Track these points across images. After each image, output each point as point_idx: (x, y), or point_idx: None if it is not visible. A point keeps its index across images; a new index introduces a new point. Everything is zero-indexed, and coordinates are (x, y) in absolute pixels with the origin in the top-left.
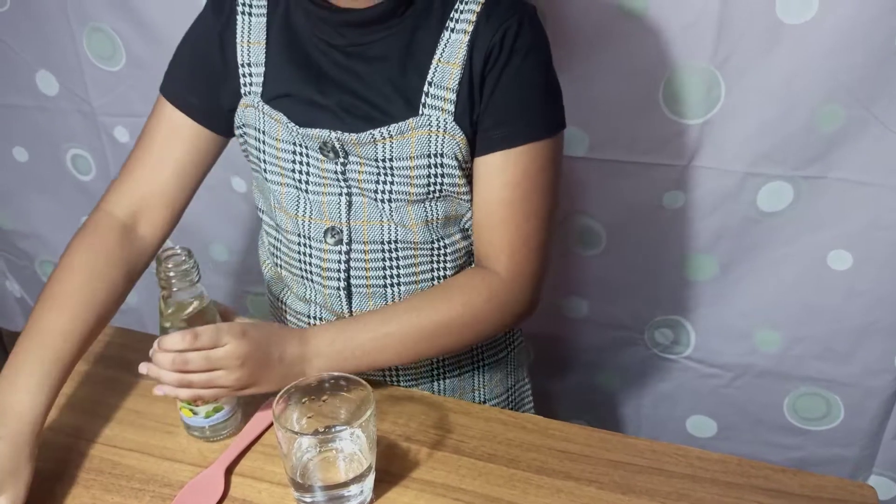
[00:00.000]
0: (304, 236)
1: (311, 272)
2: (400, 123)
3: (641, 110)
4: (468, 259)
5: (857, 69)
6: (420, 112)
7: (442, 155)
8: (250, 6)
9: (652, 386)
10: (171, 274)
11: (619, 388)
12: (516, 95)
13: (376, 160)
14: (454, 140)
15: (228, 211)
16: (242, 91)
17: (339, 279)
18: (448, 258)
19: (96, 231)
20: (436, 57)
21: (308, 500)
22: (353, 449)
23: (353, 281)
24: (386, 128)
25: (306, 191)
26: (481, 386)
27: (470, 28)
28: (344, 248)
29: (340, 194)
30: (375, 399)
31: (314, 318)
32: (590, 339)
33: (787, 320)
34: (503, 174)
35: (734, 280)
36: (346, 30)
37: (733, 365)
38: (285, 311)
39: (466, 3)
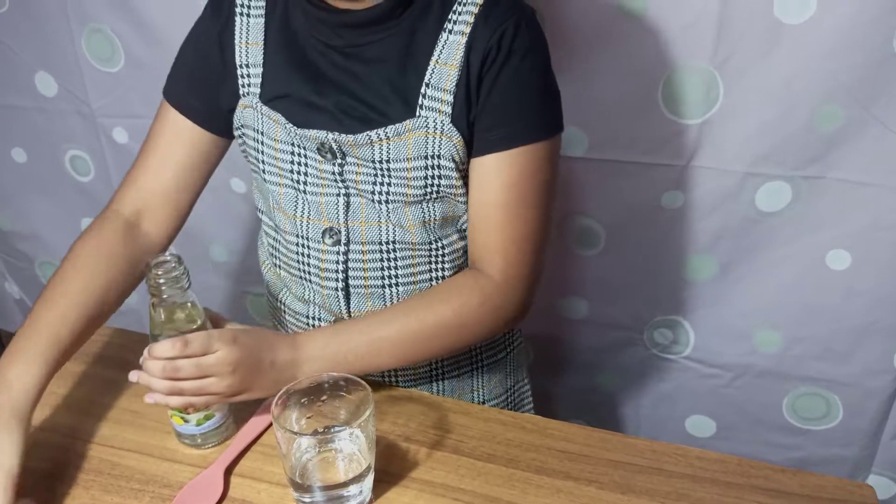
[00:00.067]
0: (303, 237)
1: (309, 273)
2: (397, 125)
3: (640, 110)
4: (466, 260)
5: (857, 69)
6: (417, 113)
7: (439, 157)
8: (248, 7)
9: (651, 386)
10: (162, 280)
11: (618, 389)
12: (513, 97)
13: (373, 161)
14: (451, 142)
15: (228, 212)
16: (241, 92)
17: (337, 280)
18: (446, 259)
19: (100, 227)
20: (433, 58)
21: (307, 500)
22: (352, 449)
23: (351, 281)
24: (383, 129)
25: (304, 191)
26: (480, 387)
27: (468, 29)
28: (342, 248)
29: (338, 195)
30: (374, 399)
31: (313, 318)
32: (589, 339)
33: (787, 320)
34: (499, 176)
35: (734, 280)
36: (343, 31)
37: (733, 365)
38: (284, 312)
39: (465, 5)
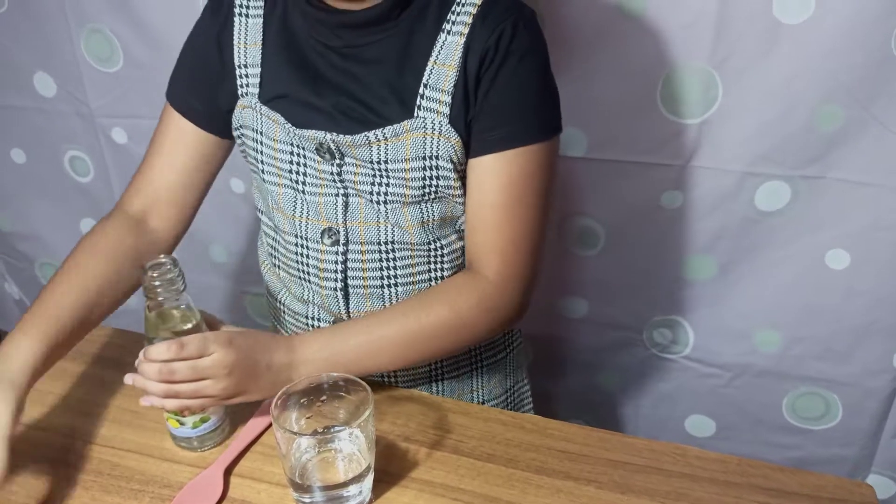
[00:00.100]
0: (301, 237)
1: (308, 273)
2: (395, 126)
3: (639, 110)
4: (465, 260)
5: (856, 69)
6: (415, 114)
7: (437, 157)
8: (247, 7)
9: (651, 386)
10: (157, 283)
11: (618, 389)
12: (511, 98)
13: (371, 162)
14: (449, 142)
15: (227, 212)
16: (239, 92)
17: (335, 280)
18: (445, 259)
19: (108, 223)
20: (431, 59)
21: (307, 500)
22: (351, 449)
23: (350, 282)
24: (381, 130)
25: (303, 192)
26: (480, 387)
27: (466, 30)
28: (340, 248)
29: (337, 195)
30: (374, 399)
31: (312, 318)
32: (589, 339)
33: (787, 320)
34: (496, 176)
35: (733, 280)
36: (342, 31)
37: (732, 365)
38: (284, 312)
39: (463, 6)
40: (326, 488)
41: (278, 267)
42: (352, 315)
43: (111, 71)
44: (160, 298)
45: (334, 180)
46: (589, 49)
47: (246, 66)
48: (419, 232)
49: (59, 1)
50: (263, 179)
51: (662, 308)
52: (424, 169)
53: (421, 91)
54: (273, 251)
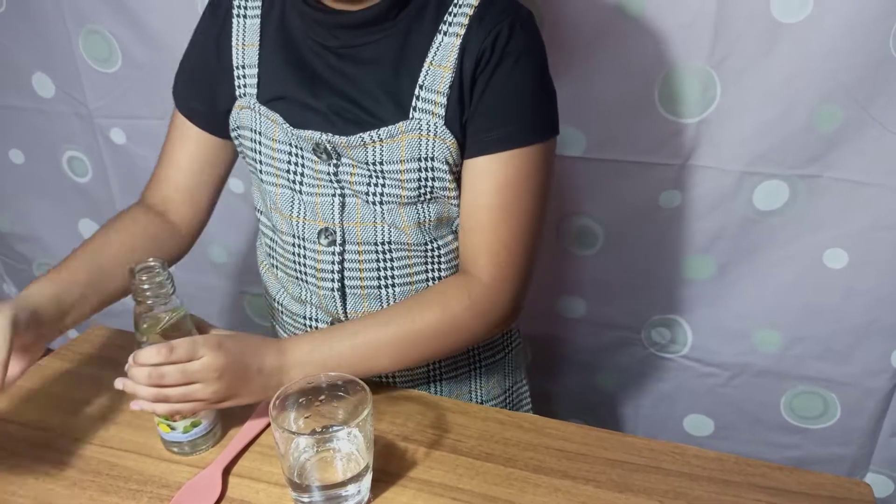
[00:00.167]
0: (299, 237)
1: (305, 273)
2: (390, 127)
3: (638, 110)
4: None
5: (856, 69)
6: (410, 116)
7: (432, 159)
8: (245, 8)
9: (650, 385)
10: (146, 286)
11: (616, 388)
12: (507, 99)
13: (367, 163)
14: (444, 144)
15: (227, 213)
16: (237, 93)
17: (332, 280)
18: (442, 259)
19: (133, 207)
20: (427, 60)
21: (306, 500)
22: (350, 449)
23: (347, 282)
24: (375, 131)
25: (300, 192)
26: (478, 388)
27: (462, 31)
28: (337, 248)
29: (334, 195)
30: (373, 399)
31: (310, 319)
32: (587, 338)
33: (786, 320)
34: (490, 178)
35: (732, 280)
36: (339, 31)
37: (731, 364)
38: (282, 313)
39: (460, 7)
40: (325, 488)
41: (276, 267)
42: (349, 315)
43: (110, 71)
44: (149, 302)
45: (331, 181)
46: (587, 49)
47: (243, 67)
48: (416, 232)
49: (58, 1)
50: (261, 180)
51: (661, 307)
52: (420, 170)
53: (416, 92)
54: (271, 251)
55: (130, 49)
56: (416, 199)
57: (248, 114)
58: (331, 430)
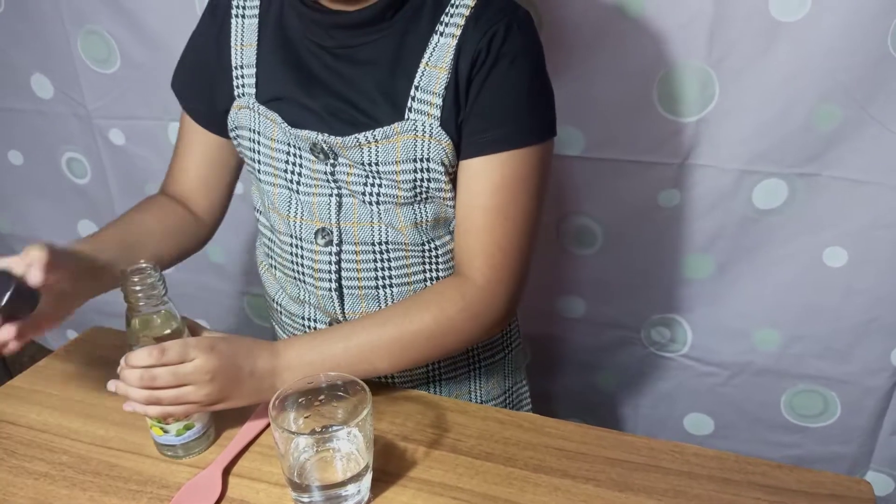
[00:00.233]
0: (296, 237)
1: (303, 273)
2: (385, 128)
3: (637, 109)
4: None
5: (854, 68)
6: (406, 116)
7: (428, 160)
8: (243, 8)
9: (649, 385)
10: (138, 289)
11: (616, 388)
12: (502, 100)
13: (363, 164)
14: (440, 145)
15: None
16: (236, 93)
17: (330, 280)
18: (440, 259)
19: (152, 196)
20: (423, 61)
21: (305, 499)
22: (350, 448)
23: (344, 282)
24: (371, 132)
25: (298, 192)
26: (478, 388)
27: (458, 32)
28: (334, 249)
29: (331, 195)
30: (372, 399)
31: (308, 319)
32: (587, 338)
33: (786, 319)
34: (485, 179)
35: (731, 279)
36: (336, 32)
37: (730, 363)
38: (281, 313)
39: (456, 7)
40: (325, 488)
41: (275, 267)
42: (347, 316)
43: (108, 72)
44: (141, 304)
45: (328, 180)
46: (586, 49)
47: (242, 67)
48: (413, 233)
49: (56, 2)
50: (259, 179)
51: (661, 307)
52: (415, 171)
53: (412, 93)
54: (269, 251)
55: (129, 49)
56: (413, 200)
57: (247, 113)
58: (330, 429)
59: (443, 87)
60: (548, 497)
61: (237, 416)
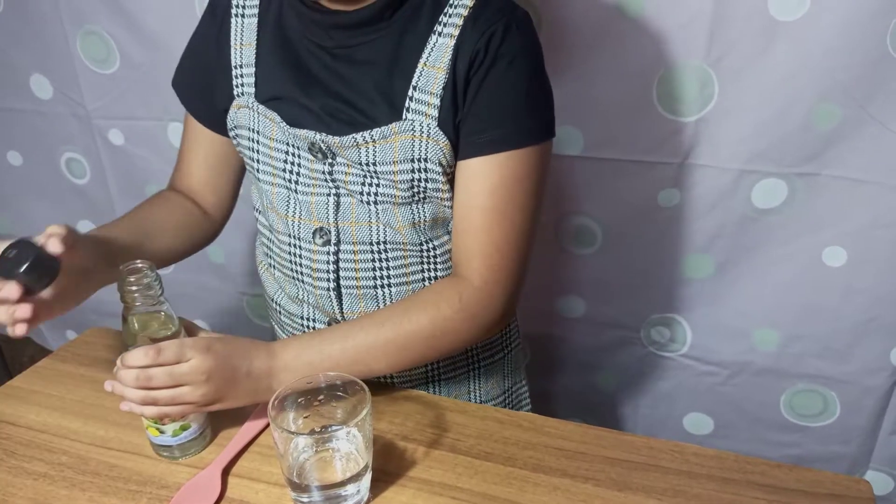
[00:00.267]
0: (294, 236)
1: (301, 273)
2: (383, 128)
3: (636, 109)
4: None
5: (853, 68)
6: (403, 116)
7: (426, 160)
8: (243, 7)
9: (649, 384)
10: (133, 289)
11: (616, 387)
12: (500, 101)
13: (360, 163)
14: (438, 145)
15: None
16: (235, 93)
17: (328, 280)
18: (438, 259)
19: (161, 191)
20: (421, 61)
21: (305, 499)
22: (349, 448)
23: (342, 282)
24: (368, 132)
25: (296, 191)
26: (477, 388)
27: (456, 32)
28: (332, 248)
29: (328, 195)
30: (372, 398)
31: (307, 319)
32: (586, 338)
33: (785, 319)
34: (484, 180)
35: (731, 278)
36: (335, 32)
37: (730, 363)
38: (280, 313)
39: (455, 7)
40: (324, 487)
41: (274, 267)
42: (346, 316)
43: (107, 72)
44: (137, 304)
45: (326, 180)
46: (586, 49)
47: (241, 67)
48: (411, 232)
49: (55, 2)
50: (258, 179)
51: (660, 306)
52: (413, 171)
53: (410, 93)
54: (268, 251)
55: (128, 50)
56: (410, 200)
57: (246, 113)
58: (330, 429)
59: (441, 87)
60: (547, 496)
61: (236, 417)
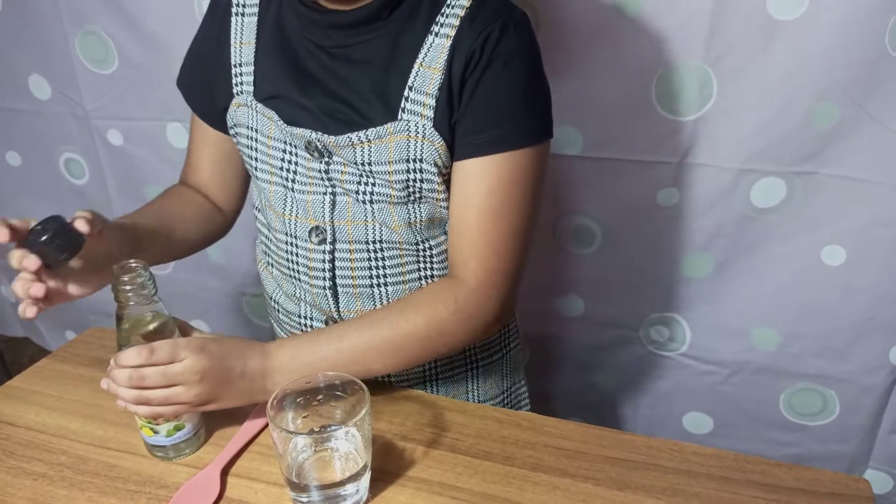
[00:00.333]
0: (291, 235)
1: (298, 271)
2: (378, 128)
3: (635, 109)
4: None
5: (852, 67)
6: (399, 117)
7: (421, 160)
8: (243, 6)
9: (648, 384)
10: (127, 288)
11: (615, 387)
12: (496, 102)
13: (356, 163)
14: (433, 146)
15: None
16: (234, 91)
17: (324, 278)
18: (434, 259)
19: (173, 186)
20: (417, 61)
21: (304, 499)
22: (348, 448)
23: (338, 280)
24: (364, 132)
25: (293, 189)
26: (475, 388)
27: (453, 32)
28: (328, 247)
29: (325, 193)
30: (371, 398)
31: (305, 317)
32: (585, 337)
33: (785, 318)
34: (480, 181)
35: (730, 277)
36: (333, 31)
37: (729, 362)
38: (278, 311)
39: (452, 7)
40: (323, 487)
41: (272, 265)
42: (343, 314)
43: (106, 73)
44: (131, 303)
45: (322, 179)
46: (584, 49)
47: (240, 65)
48: (407, 232)
49: (54, 2)
50: (257, 177)
51: (659, 306)
52: (408, 171)
53: (406, 93)
54: (267, 249)
55: (127, 50)
56: (406, 200)
57: (245, 111)
58: (329, 429)
59: (436, 87)
60: (547, 496)
61: (235, 417)
